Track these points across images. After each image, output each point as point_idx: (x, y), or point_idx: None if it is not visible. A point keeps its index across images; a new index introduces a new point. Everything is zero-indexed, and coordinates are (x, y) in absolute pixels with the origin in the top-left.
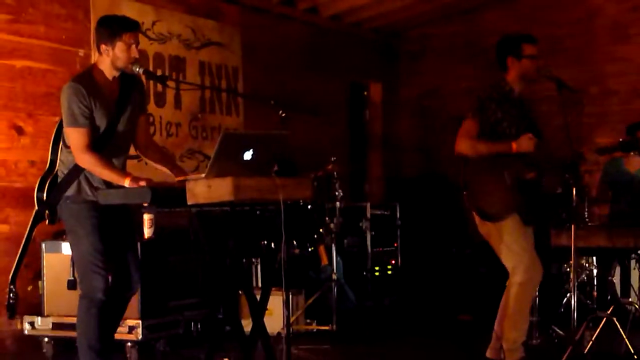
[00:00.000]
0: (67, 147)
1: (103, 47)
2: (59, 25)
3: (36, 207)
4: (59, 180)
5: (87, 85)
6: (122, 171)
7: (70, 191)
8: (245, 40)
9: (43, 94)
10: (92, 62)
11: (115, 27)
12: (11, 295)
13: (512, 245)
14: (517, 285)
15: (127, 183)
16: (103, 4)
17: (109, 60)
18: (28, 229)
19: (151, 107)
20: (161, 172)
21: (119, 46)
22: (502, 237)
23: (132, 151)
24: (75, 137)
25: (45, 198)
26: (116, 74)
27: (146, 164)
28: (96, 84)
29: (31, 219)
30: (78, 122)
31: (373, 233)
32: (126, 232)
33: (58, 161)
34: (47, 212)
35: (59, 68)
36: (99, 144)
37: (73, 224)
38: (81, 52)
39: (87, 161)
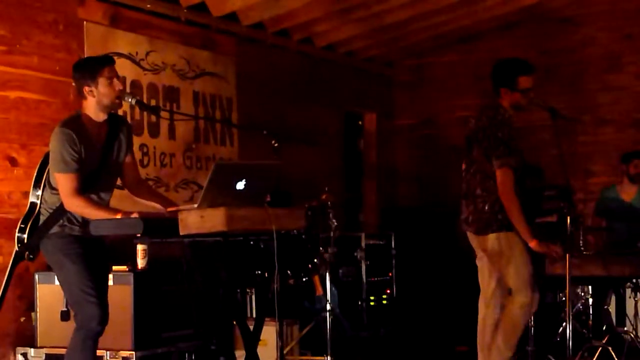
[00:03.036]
0: (51, 188)
1: (87, 89)
2: (53, 56)
3: (16, 248)
4: (41, 218)
5: (77, 129)
6: (113, 208)
7: (55, 229)
8: (240, 70)
9: (36, 125)
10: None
11: (93, 65)
12: None
13: (520, 267)
14: (519, 306)
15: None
16: (96, 34)
17: (94, 101)
18: (8, 270)
19: (145, 137)
20: (151, 207)
21: (101, 82)
22: (513, 256)
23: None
24: (64, 182)
25: (26, 239)
26: (104, 116)
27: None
28: (85, 129)
29: (11, 259)
30: (69, 167)
31: (368, 263)
32: (104, 265)
33: (41, 201)
34: (26, 252)
35: (53, 99)
36: (85, 184)
37: (59, 257)
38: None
39: (77, 205)
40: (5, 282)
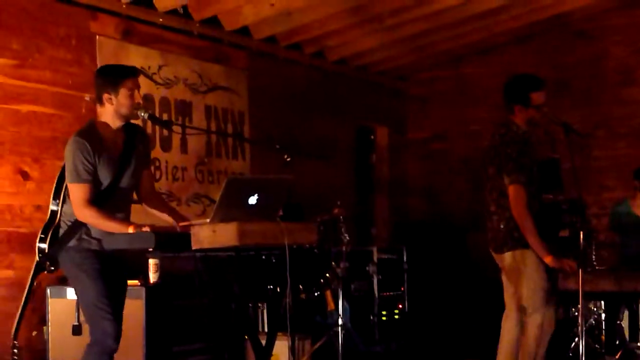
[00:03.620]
0: (70, 199)
1: (106, 96)
2: (65, 70)
3: (37, 258)
4: (61, 230)
5: (92, 140)
6: (124, 221)
7: (72, 242)
8: (252, 84)
9: (49, 139)
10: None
11: (117, 74)
12: (15, 351)
13: (536, 285)
14: (536, 325)
15: (130, 231)
16: (109, 48)
17: (112, 109)
18: (29, 281)
19: (157, 151)
20: (163, 221)
21: (123, 92)
22: (528, 274)
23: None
24: (76, 192)
25: (47, 250)
26: (120, 123)
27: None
28: (100, 138)
29: (32, 270)
30: (81, 177)
31: (380, 277)
32: (122, 281)
33: (60, 212)
34: (47, 262)
35: (65, 113)
36: (101, 199)
37: (77, 272)
38: (87, 97)
39: (88, 215)
40: (27, 294)
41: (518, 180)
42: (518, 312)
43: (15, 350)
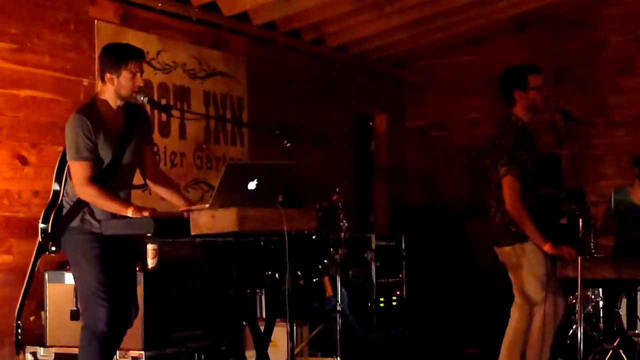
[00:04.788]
0: (72, 178)
1: (108, 75)
2: (64, 55)
3: (39, 239)
4: (64, 211)
5: (92, 117)
6: (125, 201)
7: (75, 222)
8: (251, 70)
9: (47, 124)
10: (96, 91)
11: (121, 55)
12: (19, 331)
13: (539, 277)
14: (541, 317)
15: (130, 213)
16: (107, 33)
17: (112, 89)
18: (32, 262)
19: (155, 136)
20: (166, 203)
21: (124, 75)
22: (530, 267)
23: (135, 180)
24: (77, 169)
25: (49, 230)
26: (120, 103)
27: (150, 193)
28: (101, 116)
29: (34, 251)
30: (81, 155)
31: (378, 264)
32: (128, 265)
33: (62, 192)
34: (50, 243)
35: (63, 98)
36: (102, 177)
37: (77, 256)
38: (85, 82)
39: (89, 193)
40: (29, 275)
41: (511, 172)
42: (527, 303)
43: (20, 330)
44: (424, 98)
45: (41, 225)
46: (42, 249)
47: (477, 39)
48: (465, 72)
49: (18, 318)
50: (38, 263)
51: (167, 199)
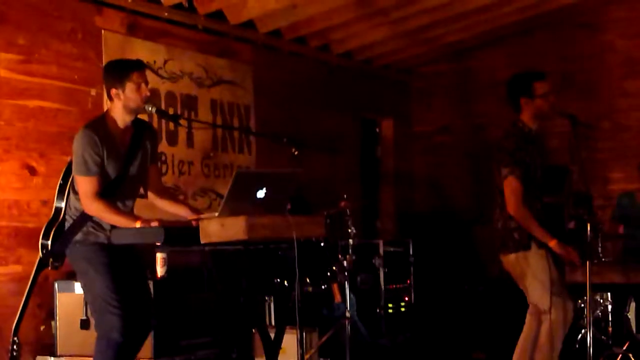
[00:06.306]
0: (76, 193)
1: (114, 91)
2: (71, 65)
3: (40, 255)
4: (66, 224)
5: (100, 133)
6: (132, 215)
7: (79, 236)
8: (257, 78)
9: (55, 134)
10: (104, 100)
11: (122, 69)
12: (14, 347)
13: (545, 285)
14: (549, 324)
15: (138, 226)
16: (114, 43)
17: (121, 104)
18: (31, 278)
19: (163, 145)
20: (172, 214)
21: (129, 87)
22: (536, 274)
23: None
24: (84, 185)
25: (50, 246)
26: (129, 119)
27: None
28: (109, 132)
29: (35, 267)
30: (90, 170)
31: (386, 270)
32: (137, 274)
33: (65, 207)
34: (50, 259)
35: (71, 108)
36: (108, 191)
37: (84, 266)
38: (93, 92)
39: (96, 208)
40: (28, 290)
41: (513, 172)
42: (537, 310)
43: (15, 347)
44: (430, 103)
45: (42, 242)
46: (42, 264)
47: (484, 44)
48: (471, 77)
49: (14, 334)
50: (41, 276)
51: (173, 212)
